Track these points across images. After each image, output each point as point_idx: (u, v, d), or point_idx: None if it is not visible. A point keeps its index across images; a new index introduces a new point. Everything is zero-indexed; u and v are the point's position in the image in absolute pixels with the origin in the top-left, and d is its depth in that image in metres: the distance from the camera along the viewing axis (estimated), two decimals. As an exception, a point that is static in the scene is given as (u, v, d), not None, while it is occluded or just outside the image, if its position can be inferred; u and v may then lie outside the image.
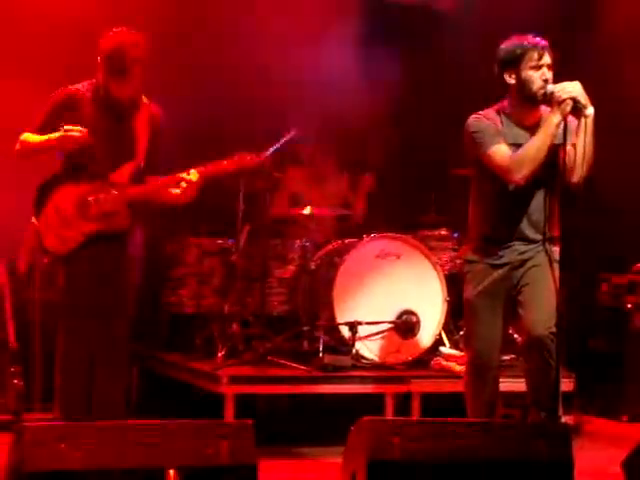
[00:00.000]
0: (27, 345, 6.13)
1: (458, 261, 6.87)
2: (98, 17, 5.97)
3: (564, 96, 4.55)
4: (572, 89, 4.58)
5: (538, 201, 4.83)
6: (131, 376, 6.69)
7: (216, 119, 6.88)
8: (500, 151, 4.72)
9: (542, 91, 4.69)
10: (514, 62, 4.73)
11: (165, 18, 6.63)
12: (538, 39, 4.76)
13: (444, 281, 6.47)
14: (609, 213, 6.96)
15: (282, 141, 6.76)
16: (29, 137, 4.92)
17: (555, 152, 4.70)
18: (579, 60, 6.42)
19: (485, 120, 4.80)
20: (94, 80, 4.98)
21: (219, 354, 6.19)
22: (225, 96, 7.03)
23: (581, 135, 4.62)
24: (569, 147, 4.63)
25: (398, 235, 6.56)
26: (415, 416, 5.95)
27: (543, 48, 4.72)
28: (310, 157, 7.44)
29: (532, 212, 4.84)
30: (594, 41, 7.36)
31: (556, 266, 4.76)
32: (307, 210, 6.84)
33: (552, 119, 4.62)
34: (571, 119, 4.68)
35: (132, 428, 3.73)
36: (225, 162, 5.06)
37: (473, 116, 4.85)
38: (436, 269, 6.49)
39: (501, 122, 4.81)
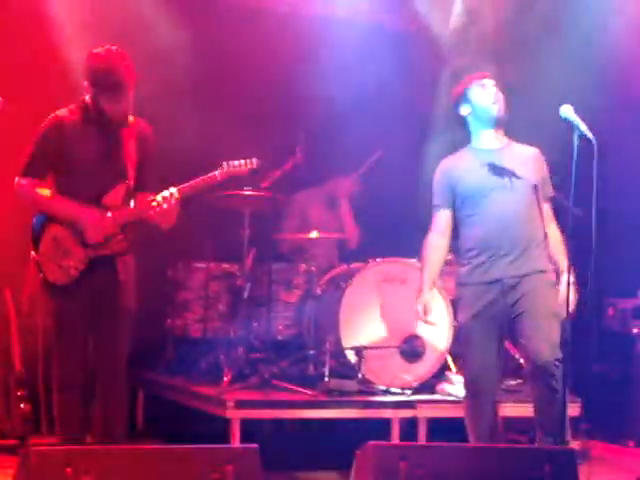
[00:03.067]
0: (34, 370, 6.12)
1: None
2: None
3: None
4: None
5: (507, 196, 4.97)
6: (136, 400, 6.69)
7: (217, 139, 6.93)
8: (438, 219, 5.16)
9: (494, 106, 5.05)
10: (464, 95, 5.12)
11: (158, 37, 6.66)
12: (478, 72, 5.20)
13: (450, 306, 6.46)
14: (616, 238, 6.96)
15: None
16: (37, 193, 4.87)
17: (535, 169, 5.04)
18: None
19: (440, 175, 5.16)
20: (81, 103, 4.93)
21: (225, 378, 6.18)
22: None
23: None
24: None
25: (403, 259, 6.56)
26: (421, 441, 5.93)
27: (484, 75, 5.13)
28: (331, 182, 7.50)
29: (512, 228, 4.96)
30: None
31: (553, 289, 4.85)
32: (314, 234, 6.84)
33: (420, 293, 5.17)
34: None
35: (138, 452, 3.73)
36: (216, 173, 5.08)
37: (439, 166, 5.21)
38: (442, 294, 6.48)
39: (467, 157, 5.12)
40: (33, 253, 4.90)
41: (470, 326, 4.99)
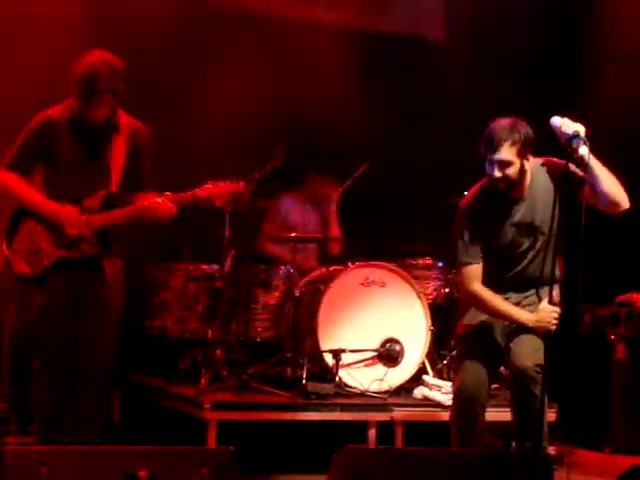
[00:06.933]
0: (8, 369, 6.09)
1: (443, 290, 6.90)
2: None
3: (569, 131, 4.55)
4: (576, 125, 4.58)
5: (533, 255, 4.88)
6: (113, 400, 6.67)
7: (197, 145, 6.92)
8: (472, 273, 4.87)
9: (498, 184, 4.76)
10: (483, 150, 4.79)
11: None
12: (501, 128, 4.74)
13: (428, 310, 6.48)
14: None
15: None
16: (17, 186, 4.90)
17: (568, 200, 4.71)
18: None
19: (468, 228, 4.87)
20: (69, 103, 4.94)
21: (202, 379, 6.17)
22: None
23: (595, 171, 4.63)
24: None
25: (383, 263, 6.57)
26: (397, 445, 5.93)
27: (496, 142, 4.71)
28: (311, 182, 7.49)
29: (526, 265, 4.89)
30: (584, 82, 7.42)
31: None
32: (294, 236, 6.85)
33: (523, 320, 4.79)
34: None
35: (113, 453, 3.72)
36: (197, 190, 5.03)
37: (462, 215, 4.92)
38: (420, 298, 6.50)
39: (485, 201, 4.89)
40: (4, 246, 4.91)
41: (469, 336, 4.97)
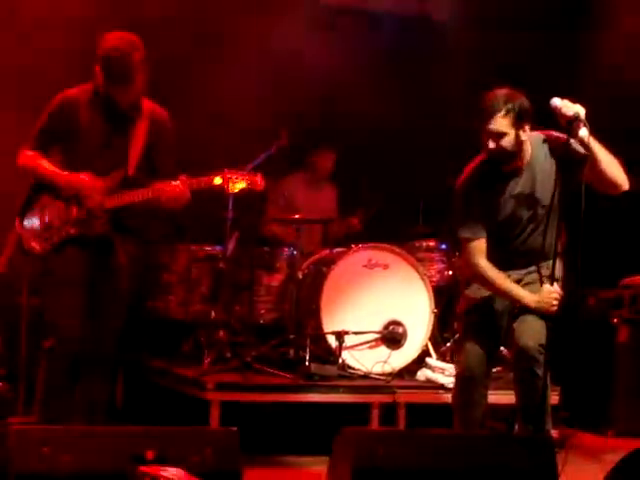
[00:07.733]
0: (12, 350, 6.10)
1: (446, 273, 6.90)
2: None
3: (570, 113, 4.49)
4: (576, 107, 4.53)
5: (534, 227, 4.85)
6: (116, 381, 6.68)
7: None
8: (476, 248, 4.84)
9: (493, 156, 4.72)
10: (479, 121, 4.74)
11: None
12: (494, 98, 4.70)
13: (431, 292, 6.47)
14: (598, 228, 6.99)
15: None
16: (38, 162, 4.94)
17: (569, 179, 4.67)
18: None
19: (469, 204, 4.83)
20: (91, 85, 4.96)
21: (205, 361, 6.19)
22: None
23: (596, 153, 4.58)
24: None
25: (386, 245, 6.56)
26: (400, 426, 5.94)
27: (489, 112, 4.67)
28: (314, 163, 7.49)
29: (526, 238, 4.87)
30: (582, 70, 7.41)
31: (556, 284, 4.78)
32: (298, 216, 6.85)
33: (526, 300, 4.74)
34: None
35: (116, 433, 3.73)
36: (213, 178, 5.01)
37: (463, 190, 4.87)
38: (424, 280, 6.50)
39: (483, 175, 4.85)
40: (17, 221, 4.94)
41: (470, 314, 4.96)
